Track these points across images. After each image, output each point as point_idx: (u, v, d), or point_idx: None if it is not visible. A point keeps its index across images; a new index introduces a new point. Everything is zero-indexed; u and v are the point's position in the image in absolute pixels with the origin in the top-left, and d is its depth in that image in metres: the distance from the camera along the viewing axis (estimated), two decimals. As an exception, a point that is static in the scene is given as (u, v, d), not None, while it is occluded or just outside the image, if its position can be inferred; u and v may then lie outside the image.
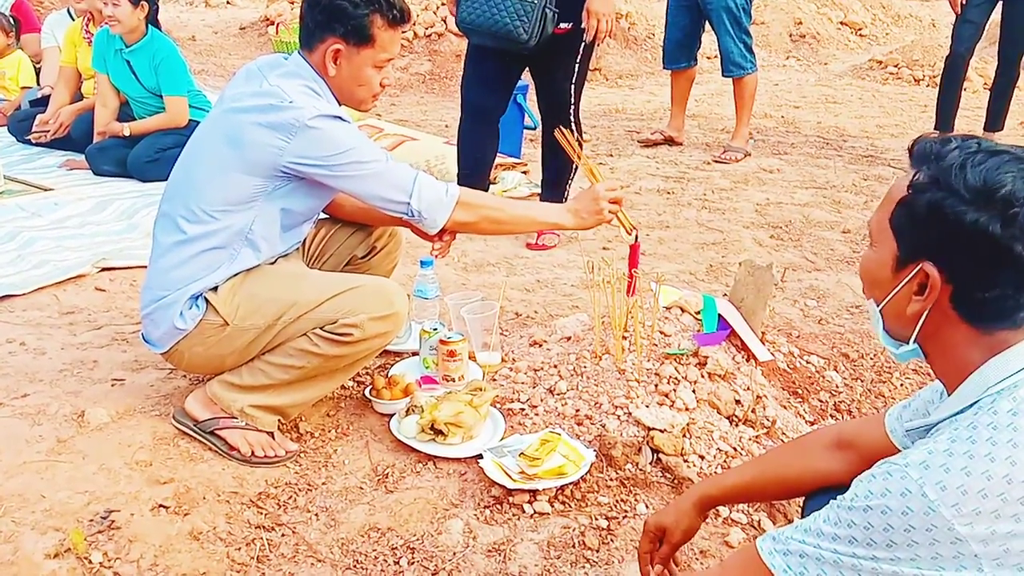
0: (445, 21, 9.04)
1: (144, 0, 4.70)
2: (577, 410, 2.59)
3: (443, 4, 9.18)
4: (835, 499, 1.30)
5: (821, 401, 2.85)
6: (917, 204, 1.30)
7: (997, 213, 1.22)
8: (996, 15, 6.01)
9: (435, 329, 2.84)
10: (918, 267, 1.31)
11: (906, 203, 1.32)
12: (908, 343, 1.38)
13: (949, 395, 1.36)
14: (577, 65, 3.99)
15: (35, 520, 2.11)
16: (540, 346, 2.92)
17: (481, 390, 2.60)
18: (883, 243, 1.36)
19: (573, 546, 2.19)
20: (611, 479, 2.40)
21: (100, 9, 4.85)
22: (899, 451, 1.59)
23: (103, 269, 3.64)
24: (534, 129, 5.77)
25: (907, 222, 1.32)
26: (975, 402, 1.28)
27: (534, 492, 2.31)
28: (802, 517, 1.80)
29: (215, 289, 2.40)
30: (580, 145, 4.10)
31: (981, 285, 1.27)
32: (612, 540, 2.21)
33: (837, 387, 2.93)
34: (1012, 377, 1.26)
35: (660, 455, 2.44)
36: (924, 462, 1.20)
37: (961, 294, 1.29)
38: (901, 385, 2.99)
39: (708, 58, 10.46)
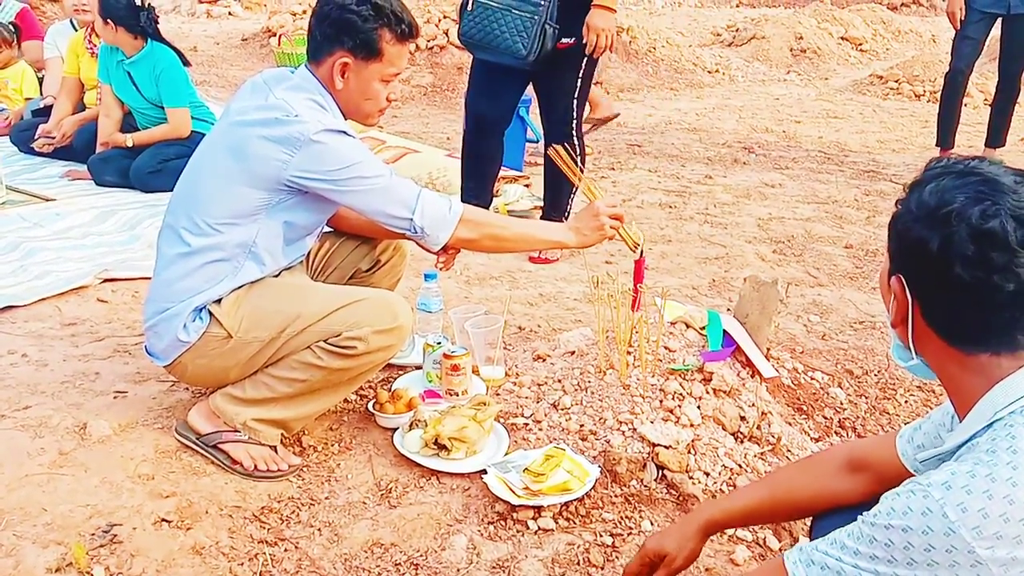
0: (447, 34, 9.07)
1: (110, 19, 4.66)
2: (581, 425, 2.58)
3: (445, 17, 9.20)
4: (863, 514, 1.30)
5: (826, 418, 2.84)
6: (891, 219, 1.36)
7: (937, 232, 1.25)
8: (996, 31, 6.03)
9: (439, 343, 2.83)
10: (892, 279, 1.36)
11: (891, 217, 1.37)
12: (913, 356, 1.39)
13: (960, 419, 1.36)
14: (579, 80, 3.99)
15: (36, 534, 2.10)
16: (544, 360, 2.92)
17: (485, 405, 2.59)
18: (886, 255, 1.41)
19: (578, 563, 2.17)
20: (616, 495, 2.39)
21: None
22: (911, 474, 1.60)
23: (105, 280, 3.63)
24: (536, 143, 5.78)
25: (889, 236, 1.37)
26: (989, 425, 1.27)
27: (538, 508, 2.30)
28: (810, 537, 1.81)
29: (219, 301, 2.40)
30: (582, 160, 4.11)
31: (937, 302, 1.30)
32: (617, 557, 2.20)
33: (842, 404, 2.92)
34: (1021, 400, 1.26)
35: (665, 471, 2.43)
36: (946, 483, 1.20)
37: (927, 310, 1.32)
38: (906, 402, 2.98)
39: (710, 72, 10.52)
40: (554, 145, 3.01)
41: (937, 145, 6.33)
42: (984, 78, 8.73)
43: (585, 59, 3.94)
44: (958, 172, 1.28)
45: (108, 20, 4.68)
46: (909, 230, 1.29)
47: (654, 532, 2.25)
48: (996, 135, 6.29)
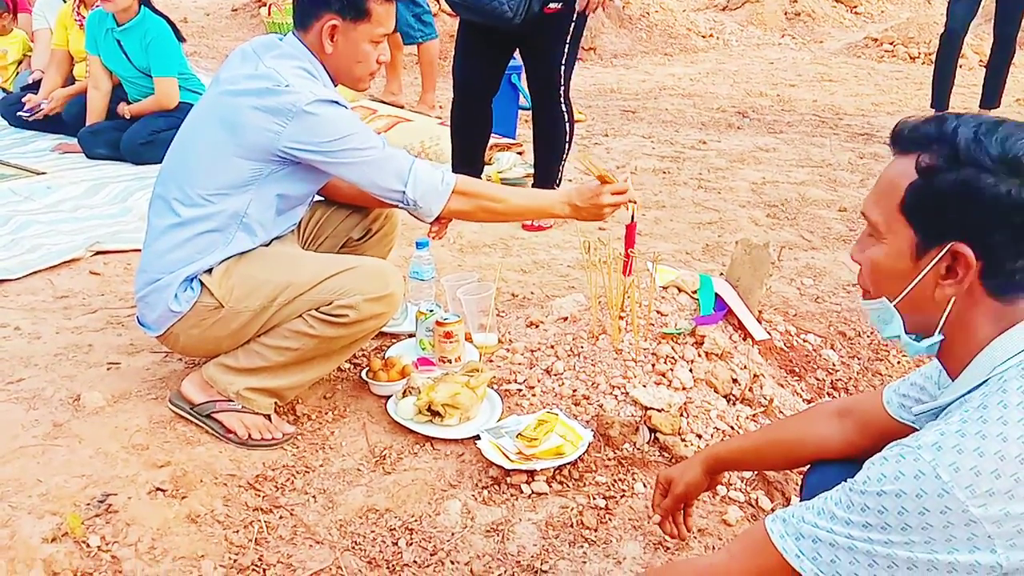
0: (439, 1, 8.99)
1: None
2: (574, 390, 2.59)
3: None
4: (846, 481, 1.28)
5: (818, 379, 2.85)
6: (939, 185, 1.26)
7: (1021, 177, 1.21)
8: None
9: (431, 311, 2.83)
10: (944, 249, 1.27)
11: (920, 188, 1.28)
12: (934, 333, 1.34)
13: (952, 378, 1.34)
14: (567, 46, 3.96)
15: (32, 504, 2.11)
16: (537, 327, 2.92)
17: (478, 371, 2.60)
18: (895, 234, 1.31)
19: (571, 525, 2.19)
20: (608, 459, 2.40)
21: None
22: (894, 420, 1.61)
23: (97, 253, 3.63)
24: (529, 110, 5.76)
25: (928, 206, 1.27)
26: (984, 381, 1.26)
27: (532, 472, 2.31)
28: (800, 492, 1.83)
29: (210, 271, 2.39)
30: (571, 125, 4.09)
31: (1012, 256, 1.25)
32: (610, 519, 2.21)
33: (834, 365, 2.93)
34: (1018, 356, 1.24)
35: (657, 434, 2.44)
36: (936, 443, 1.19)
37: (992, 268, 1.26)
38: (898, 363, 2.99)
39: (703, 37, 10.46)
40: (579, 156, 2.93)
41: (932, 107, 6.30)
42: (979, 39, 8.68)
43: (572, 24, 3.91)
44: (992, 122, 1.25)
45: None
46: (992, 187, 1.22)
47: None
48: (991, 96, 6.26)
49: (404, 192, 2.41)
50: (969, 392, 1.28)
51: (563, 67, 3.99)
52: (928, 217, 1.28)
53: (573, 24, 3.91)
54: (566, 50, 3.96)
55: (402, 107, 6.09)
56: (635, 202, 2.62)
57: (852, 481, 1.27)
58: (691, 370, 2.60)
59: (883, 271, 1.36)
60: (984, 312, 1.29)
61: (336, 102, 2.35)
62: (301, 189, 2.47)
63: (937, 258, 1.28)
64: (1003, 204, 1.22)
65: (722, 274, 3.02)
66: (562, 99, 4.05)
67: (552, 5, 3.81)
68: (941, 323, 1.32)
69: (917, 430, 1.32)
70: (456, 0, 3.85)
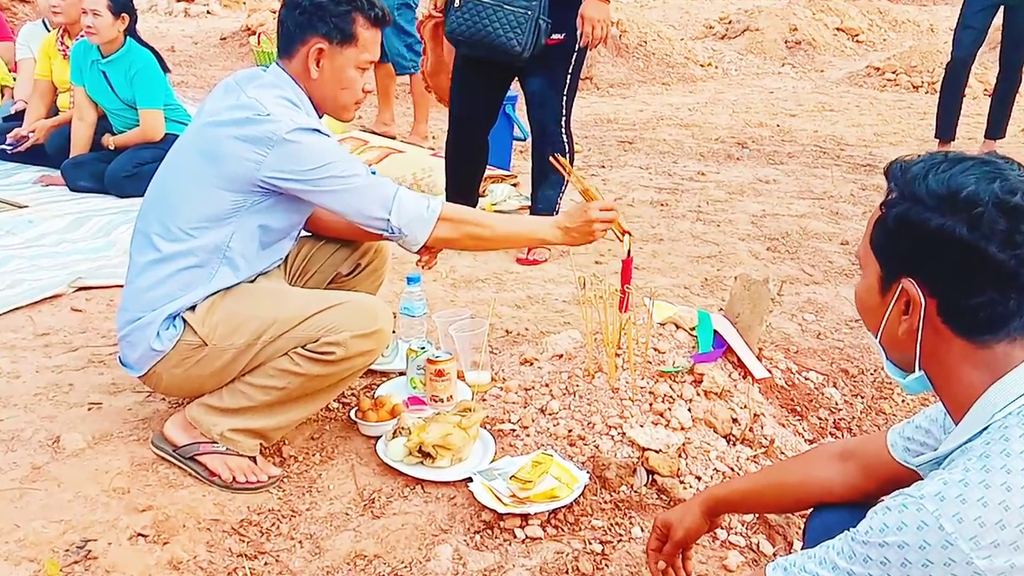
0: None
1: (124, 12, 4.65)
2: (569, 430, 2.54)
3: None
4: (849, 531, 1.26)
5: (820, 419, 2.80)
6: (888, 220, 1.29)
7: (962, 216, 1.21)
8: (998, 20, 5.98)
9: (422, 348, 2.79)
10: (899, 285, 1.29)
11: (880, 221, 1.32)
12: (914, 370, 1.34)
13: (956, 423, 1.32)
14: (568, 76, 3.94)
15: (8, 551, 2.07)
16: (531, 364, 2.87)
17: (470, 411, 2.55)
18: (868, 267, 1.35)
19: (566, 572, 2.13)
20: (605, 502, 2.35)
21: (78, 19, 4.79)
22: (898, 464, 1.59)
23: (79, 288, 3.57)
24: (524, 140, 5.74)
25: (884, 240, 1.32)
26: (984, 428, 1.24)
27: (526, 516, 2.26)
28: (803, 537, 1.80)
29: (193, 308, 2.35)
30: (571, 157, 4.06)
31: (962, 293, 1.25)
32: (607, 565, 2.16)
33: (837, 404, 2.88)
34: (1017, 401, 1.23)
35: (655, 476, 2.39)
36: (939, 493, 1.17)
37: (946, 306, 1.27)
38: (903, 401, 2.94)
39: (702, 66, 10.47)
40: (553, 155, 2.93)
41: (936, 137, 6.26)
42: (984, 68, 8.68)
43: (575, 54, 3.89)
44: (953, 160, 1.26)
45: (122, 14, 4.67)
46: (926, 222, 1.23)
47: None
48: (996, 126, 6.22)
49: (388, 220, 2.37)
50: (970, 440, 1.26)
51: (564, 97, 3.97)
52: (883, 252, 1.32)
53: (575, 54, 3.88)
54: (567, 80, 3.94)
55: (394, 138, 6.07)
56: (629, 232, 2.59)
57: (855, 531, 1.26)
58: (690, 409, 2.55)
59: (861, 305, 1.41)
60: (958, 354, 1.29)
61: (317, 130, 2.33)
62: (284, 221, 2.44)
63: (897, 294, 1.30)
64: (937, 240, 1.23)
65: (721, 310, 2.97)
66: (563, 130, 4.02)
67: (555, 36, 3.79)
68: (916, 360, 1.33)
69: (922, 476, 1.32)
70: (460, 38, 3.82)
